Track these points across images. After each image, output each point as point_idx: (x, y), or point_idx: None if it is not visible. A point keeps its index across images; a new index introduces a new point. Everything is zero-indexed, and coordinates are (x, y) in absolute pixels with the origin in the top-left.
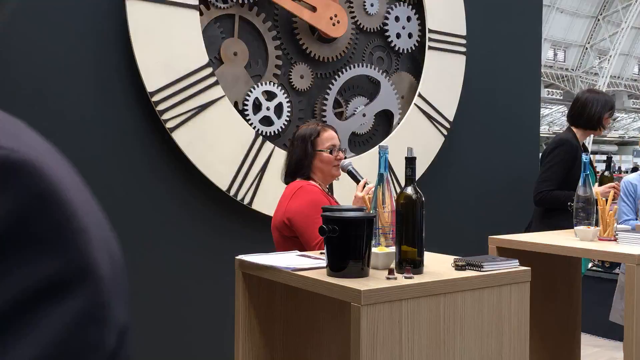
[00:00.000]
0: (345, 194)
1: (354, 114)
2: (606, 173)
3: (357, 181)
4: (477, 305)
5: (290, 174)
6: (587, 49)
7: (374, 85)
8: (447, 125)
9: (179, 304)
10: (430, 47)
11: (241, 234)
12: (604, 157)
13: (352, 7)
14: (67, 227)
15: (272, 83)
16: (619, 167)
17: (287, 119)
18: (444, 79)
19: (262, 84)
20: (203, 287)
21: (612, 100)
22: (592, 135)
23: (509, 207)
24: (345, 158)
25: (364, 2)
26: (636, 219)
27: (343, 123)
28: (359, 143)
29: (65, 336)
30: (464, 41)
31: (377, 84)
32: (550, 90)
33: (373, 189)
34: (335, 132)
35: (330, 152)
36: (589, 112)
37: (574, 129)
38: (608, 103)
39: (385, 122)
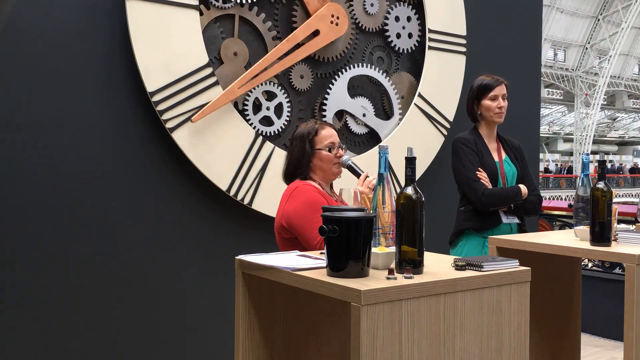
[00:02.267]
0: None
1: (357, 122)
2: (600, 185)
3: (358, 175)
4: (477, 305)
5: (289, 174)
6: (587, 49)
7: (374, 85)
8: (447, 125)
9: (179, 304)
10: (430, 47)
11: (241, 234)
12: (604, 158)
13: (352, 7)
14: None
15: (272, 83)
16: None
17: (287, 119)
18: (444, 79)
19: (262, 84)
20: (203, 287)
21: (487, 82)
22: (589, 136)
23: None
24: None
25: (364, 2)
26: None
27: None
28: (359, 143)
29: None
30: (464, 41)
31: (377, 84)
32: (550, 90)
33: (374, 181)
34: (335, 129)
35: (329, 150)
36: (467, 101)
37: (476, 126)
38: (480, 86)
39: (384, 120)
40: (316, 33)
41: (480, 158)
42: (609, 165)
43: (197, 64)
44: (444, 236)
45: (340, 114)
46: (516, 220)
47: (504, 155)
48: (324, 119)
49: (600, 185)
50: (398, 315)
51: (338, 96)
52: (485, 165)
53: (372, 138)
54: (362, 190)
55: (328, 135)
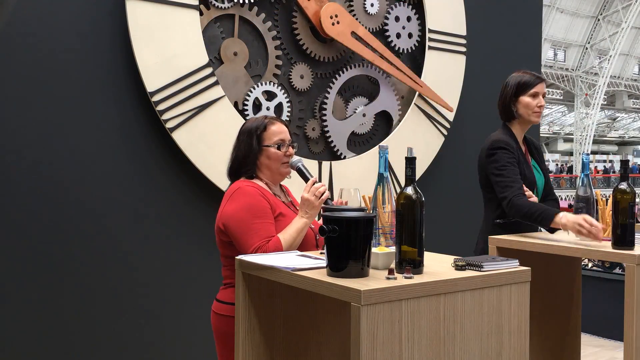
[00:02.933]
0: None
1: (355, 112)
2: (622, 186)
3: (306, 180)
4: (477, 305)
5: (234, 171)
6: (587, 49)
7: (374, 85)
8: (447, 125)
9: (179, 304)
10: (430, 47)
11: None
12: (604, 158)
13: (352, 7)
14: None
15: (272, 83)
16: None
17: (287, 119)
18: (444, 79)
19: (262, 84)
20: (203, 287)
21: (527, 79)
22: (589, 136)
23: None
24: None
25: (364, 2)
26: None
27: (343, 122)
28: (359, 143)
29: None
30: (464, 41)
31: (377, 84)
32: (550, 90)
33: (322, 188)
34: (286, 126)
35: (279, 148)
36: (502, 98)
37: (508, 125)
38: (520, 82)
39: (385, 122)
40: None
41: (519, 168)
42: (607, 165)
43: (197, 64)
44: (444, 236)
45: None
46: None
47: (530, 159)
48: (324, 115)
49: (623, 186)
50: (398, 315)
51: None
52: (525, 177)
53: (371, 139)
54: (307, 197)
55: (278, 131)
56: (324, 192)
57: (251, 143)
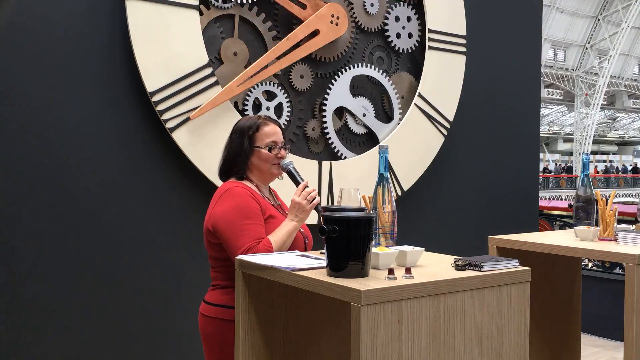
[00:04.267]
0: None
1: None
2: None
3: (297, 183)
4: (477, 305)
5: (225, 171)
6: (587, 49)
7: (374, 85)
8: (447, 125)
9: (179, 304)
10: (430, 47)
11: None
12: (604, 158)
13: (352, 7)
14: None
15: (272, 83)
16: (618, 167)
17: (287, 119)
18: (444, 79)
19: (262, 84)
20: (203, 287)
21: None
22: (589, 136)
23: (509, 207)
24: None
25: (364, 2)
26: None
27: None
28: (359, 143)
29: None
30: (464, 41)
31: (378, 84)
32: (550, 90)
33: (313, 193)
34: (280, 127)
35: (270, 150)
36: None
37: None
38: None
39: (385, 122)
40: (316, 32)
41: None
42: (608, 165)
43: (197, 64)
44: (444, 236)
45: (341, 113)
46: None
47: None
48: (323, 116)
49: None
50: (398, 315)
51: (340, 94)
52: None
53: (371, 139)
54: (298, 200)
55: (271, 132)
56: (315, 197)
57: (242, 143)
